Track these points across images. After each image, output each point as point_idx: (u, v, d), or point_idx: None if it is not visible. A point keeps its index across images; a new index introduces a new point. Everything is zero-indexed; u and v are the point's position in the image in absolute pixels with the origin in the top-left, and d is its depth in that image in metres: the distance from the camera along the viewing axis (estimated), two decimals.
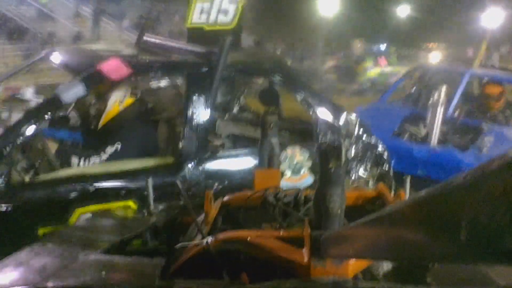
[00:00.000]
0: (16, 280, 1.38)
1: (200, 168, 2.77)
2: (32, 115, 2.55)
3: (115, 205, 2.48)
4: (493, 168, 0.44)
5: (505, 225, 0.41)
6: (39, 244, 1.69)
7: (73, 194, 2.47)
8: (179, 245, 1.50)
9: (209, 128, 2.89)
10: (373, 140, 3.40)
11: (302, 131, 3.43)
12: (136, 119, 3.06)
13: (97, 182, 2.53)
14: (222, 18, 3.00)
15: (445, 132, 4.71)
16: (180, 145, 2.76)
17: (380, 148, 3.40)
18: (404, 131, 4.96)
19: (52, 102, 2.59)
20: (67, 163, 2.74)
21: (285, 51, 29.14)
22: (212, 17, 2.99)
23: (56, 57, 3.20)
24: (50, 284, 1.32)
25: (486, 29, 5.79)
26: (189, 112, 2.79)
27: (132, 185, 2.58)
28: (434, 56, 19.09)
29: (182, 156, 2.75)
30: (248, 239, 1.35)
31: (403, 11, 33.49)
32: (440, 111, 4.41)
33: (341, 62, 17.79)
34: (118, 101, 2.99)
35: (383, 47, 25.73)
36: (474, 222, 0.45)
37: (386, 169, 3.39)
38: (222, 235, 1.41)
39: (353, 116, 3.39)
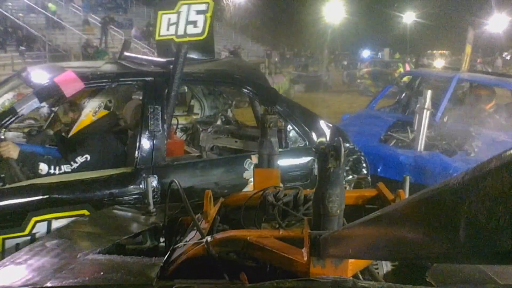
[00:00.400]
0: (15, 280, 1.38)
1: (156, 177, 2.74)
2: None
3: (70, 214, 2.48)
4: (491, 168, 0.44)
5: (503, 225, 0.41)
6: (39, 244, 1.69)
7: (28, 203, 2.49)
8: (179, 245, 1.50)
9: (166, 137, 2.85)
10: (350, 147, 3.38)
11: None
12: (107, 131, 3.09)
13: (52, 191, 2.55)
14: (191, 30, 2.98)
15: (431, 137, 4.69)
16: (136, 154, 2.75)
17: (357, 154, 3.38)
18: (390, 137, 4.96)
19: (8, 113, 2.62)
20: (35, 170, 2.75)
21: (291, 58, 29.31)
22: (181, 29, 2.96)
23: (27, 75, 3.22)
24: (49, 284, 1.32)
25: (469, 33, 5.81)
26: (145, 121, 2.80)
27: (86, 194, 2.59)
28: (438, 63, 19.45)
29: (137, 165, 2.73)
30: (247, 239, 1.35)
31: (408, 18, 33.52)
32: (426, 116, 4.36)
33: (373, 68, 18.55)
34: (92, 112, 3.02)
35: (385, 53, 26.12)
36: (473, 222, 0.46)
37: (364, 175, 3.37)
38: (221, 235, 1.41)
39: (327, 123, 3.40)
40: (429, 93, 4.42)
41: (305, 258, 1.19)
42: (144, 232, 1.88)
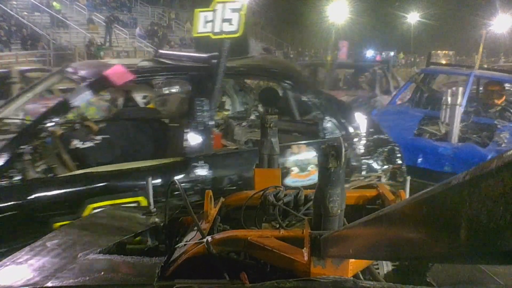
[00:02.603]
0: (15, 280, 1.38)
1: (207, 165, 2.90)
2: (44, 117, 2.71)
3: (126, 200, 2.62)
4: (492, 168, 0.44)
5: (504, 225, 0.41)
6: (39, 244, 1.69)
7: (85, 191, 2.62)
8: (179, 245, 1.50)
9: (212, 128, 3.01)
10: (384, 137, 3.55)
11: (309, 130, 3.62)
12: (149, 122, 3.35)
13: (109, 179, 2.68)
14: (227, 27, 3.13)
15: (462, 131, 4.99)
16: (185, 144, 2.90)
17: (391, 144, 3.52)
18: (423, 131, 5.21)
19: (62, 105, 2.77)
20: (68, 145, 2.96)
21: (294, 57, 29.35)
22: (217, 26, 3.12)
23: (69, 70, 3.49)
24: (49, 284, 1.32)
25: (482, 34, 6.24)
26: (193, 114, 2.94)
27: (142, 182, 2.69)
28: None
29: (187, 154, 2.88)
30: (248, 239, 1.35)
31: (412, 19, 33.34)
32: (458, 111, 4.72)
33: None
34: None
35: (391, 53, 26.20)
36: (474, 222, 0.46)
37: (399, 164, 3.52)
38: (222, 235, 1.41)
39: (362, 115, 3.55)
40: (460, 90, 4.81)
41: (306, 258, 1.19)
42: (145, 232, 1.88)
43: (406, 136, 4.78)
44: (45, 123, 2.67)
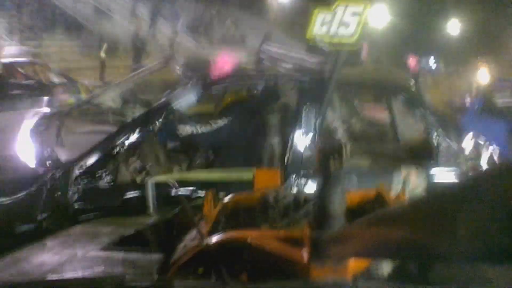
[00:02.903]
0: (14, 276, 1.39)
1: (302, 181, 2.68)
2: (143, 118, 2.67)
3: None
4: (492, 171, 0.44)
5: (503, 227, 0.41)
6: (40, 243, 1.70)
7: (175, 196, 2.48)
8: (180, 245, 1.51)
9: (317, 139, 2.77)
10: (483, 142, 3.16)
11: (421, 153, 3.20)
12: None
13: (200, 188, 2.52)
14: (343, 31, 2.92)
15: None
16: (286, 157, 2.68)
17: (492, 147, 3.16)
18: None
19: (163, 107, 2.70)
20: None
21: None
22: (333, 29, 2.91)
23: (174, 62, 3.51)
24: (47, 278, 1.33)
25: None
26: (299, 121, 2.75)
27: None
28: (482, 73, 19.10)
29: (287, 167, 2.66)
30: (248, 240, 1.35)
31: (452, 27, 32.70)
32: None
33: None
34: None
35: (431, 62, 25.76)
36: (473, 223, 0.46)
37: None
38: (222, 236, 1.41)
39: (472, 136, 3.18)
40: None
41: (306, 259, 1.19)
42: (145, 231, 1.89)
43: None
44: (145, 124, 2.61)
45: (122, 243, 1.77)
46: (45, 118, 3.44)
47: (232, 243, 1.39)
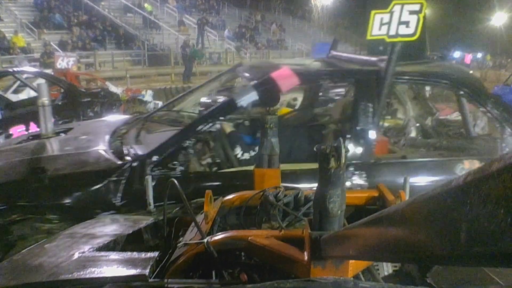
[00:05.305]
0: (13, 277, 1.39)
1: (363, 173, 2.77)
2: (210, 115, 2.88)
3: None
4: (492, 170, 0.44)
5: (504, 228, 0.41)
6: (37, 246, 1.70)
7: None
8: (179, 245, 1.50)
9: (374, 135, 2.87)
10: None
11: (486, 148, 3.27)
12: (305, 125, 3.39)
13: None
14: (403, 30, 2.97)
15: None
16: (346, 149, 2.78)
17: None
18: None
19: (229, 104, 2.90)
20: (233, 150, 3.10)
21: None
22: (393, 29, 2.97)
23: (240, 70, 3.70)
24: (43, 280, 1.33)
25: None
26: (355, 118, 2.84)
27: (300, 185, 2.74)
28: None
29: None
30: (248, 239, 1.34)
31: (498, 20, 32.32)
32: None
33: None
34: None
35: (479, 55, 25.43)
36: (474, 224, 0.45)
37: None
38: (222, 235, 1.41)
39: None
40: None
41: (306, 259, 1.18)
42: (144, 231, 1.88)
43: None
44: (213, 120, 2.82)
45: (121, 243, 1.77)
46: (127, 122, 3.99)
47: (232, 243, 1.39)
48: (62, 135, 3.79)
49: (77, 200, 2.70)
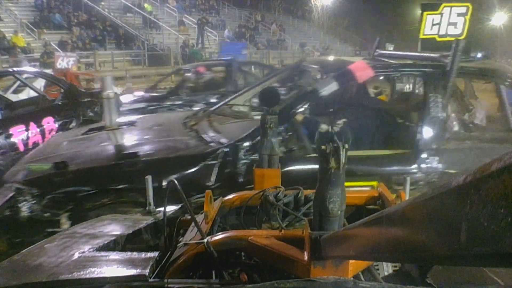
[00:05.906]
0: (13, 277, 1.39)
1: (436, 159, 3.04)
2: (295, 103, 3.10)
3: (361, 184, 2.77)
4: (492, 170, 0.44)
5: (504, 228, 0.41)
6: (37, 246, 1.70)
7: None
8: (179, 244, 1.50)
9: (445, 123, 3.14)
10: None
11: None
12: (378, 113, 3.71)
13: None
14: (452, 30, 3.32)
15: None
16: (417, 136, 3.05)
17: None
18: None
19: (312, 93, 3.11)
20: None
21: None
22: (443, 29, 3.32)
23: (306, 64, 4.02)
24: (43, 280, 1.33)
25: None
26: (427, 108, 3.09)
27: (375, 168, 3.02)
28: None
29: (418, 147, 3.03)
30: (248, 239, 1.34)
31: (498, 20, 32.46)
32: None
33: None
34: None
35: (479, 55, 25.47)
36: (474, 224, 0.45)
37: None
38: (222, 235, 1.41)
39: None
40: None
41: (306, 259, 1.18)
42: (144, 231, 1.88)
43: None
44: (293, 109, 3.01)
45: (121, 243, 1.77)
46: (193, 114, 4.23)
47: (232, 243, 1.39)
48: (125, 127, 3.97)
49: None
